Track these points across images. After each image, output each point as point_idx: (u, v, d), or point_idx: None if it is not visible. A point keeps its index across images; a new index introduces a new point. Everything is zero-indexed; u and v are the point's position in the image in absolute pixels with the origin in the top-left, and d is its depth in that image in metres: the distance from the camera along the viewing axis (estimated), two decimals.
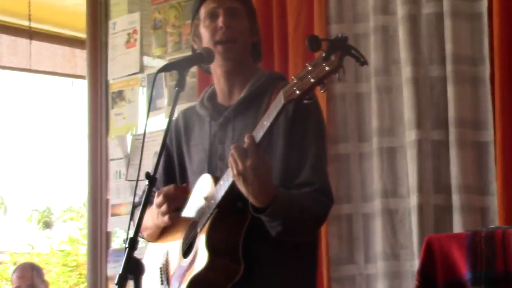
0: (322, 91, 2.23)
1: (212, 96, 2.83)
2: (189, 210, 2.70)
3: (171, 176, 2.86)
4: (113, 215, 5.02)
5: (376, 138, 3.63)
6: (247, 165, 2.39)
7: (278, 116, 2.37)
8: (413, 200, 3.50)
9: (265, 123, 2.41)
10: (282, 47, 3.94)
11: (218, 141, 2.72)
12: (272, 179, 2.47)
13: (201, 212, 2.62)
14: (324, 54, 2.17)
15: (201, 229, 2.59)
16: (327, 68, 2.17)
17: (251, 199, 2.45)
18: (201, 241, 2.57)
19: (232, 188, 2.50)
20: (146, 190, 2.43)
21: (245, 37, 2.75)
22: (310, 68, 2.22)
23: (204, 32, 2.74)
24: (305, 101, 2.28)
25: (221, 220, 2.55)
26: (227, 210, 2.54)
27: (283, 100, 2.32)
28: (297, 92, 2.26)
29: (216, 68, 2.76)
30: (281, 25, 3.96)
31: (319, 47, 2.17)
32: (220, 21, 2.71)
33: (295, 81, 2.27)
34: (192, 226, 2.66)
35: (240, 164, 2.40)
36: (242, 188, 2.43)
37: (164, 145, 2.52)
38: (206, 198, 2.60)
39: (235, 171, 2.41)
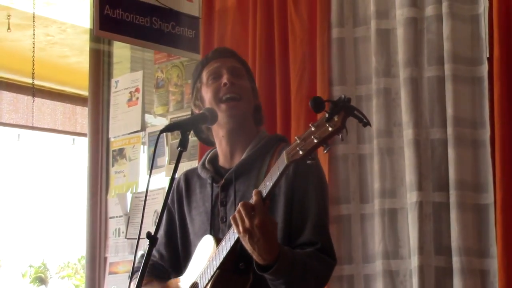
0: (325, 151, 2.24)
1: (214, 159, 2.83)
2: (191, 272, 2.69)
3: (173, 237, 2.86)
4: (111, 273, 4.99)
5: (377, 200, 3.63)
6: (255, 222, 2.39)
7: (281, 176, 2.37)
8: (414, 262, 3.48)
9: (268, 183, 2.41)
10: (284, 109, 3.96)
11: (220, 203, 2.72)
12: (277, 237, 2.47)
13: (202, 273, 2.61)
14: (327, 115, 2.19)
15: None
16: (330, 129, 2.18)
17: (255, 257, 2.45)
18: None
19: (234, 248, 2.49)
20: (146, 250, 2.42)
21: (249, 96, 2.77)
22: (313, 129, 2.23)
23: (207, 92, 2.75)
24: (308, 162, 2.29)
25: (223, 281, 2.54)
26: (229, 271, 2.53)
27: (286, 160, 2.32)
28: (300, 152, 2.27)
29: (219, 130, 2.77)
30: (283, 87, 3.98)
31: (323, 108, 2.19)
32: (224, 78, 2.73)
33: (298, 141, 2.28)
34: None
35: (247, 221, 2.40)
36: (247, 245, 2.42)
37: (165, 205, 2.52)
38: (209, 259, 2.59)
39: (241, 228, 2.41)
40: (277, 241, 2.47)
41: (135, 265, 2.70)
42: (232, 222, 2.44)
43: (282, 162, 2.35)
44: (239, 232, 2.42)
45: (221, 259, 2.51)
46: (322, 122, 2.21)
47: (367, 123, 2.21)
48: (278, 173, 2.37)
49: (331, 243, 2.66)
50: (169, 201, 2.86)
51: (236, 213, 2.43)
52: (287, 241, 2.60)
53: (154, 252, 2.85)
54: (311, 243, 2.58)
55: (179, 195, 2.87)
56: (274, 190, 2.45)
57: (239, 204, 2.43)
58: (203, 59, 2.90)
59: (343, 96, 2.20)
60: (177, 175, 2.86)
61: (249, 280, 2.51)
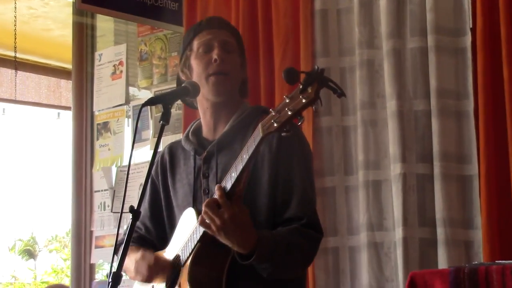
0: (299, 123, 2.22)
1: (197, 130, 2.82)
2: (174, 245, 2.69)
3: (157, 210, 2.85)
4: (97, 247, 5.00)
5: (361, 171, 3.64)
6: (225, 217, 2.38)
7: (257, 149, 2.35)
8: (398, 233, 3.50)
9: (244, 156, 2.39)
10: (268, 82, 3.95)
11: (202, 175, 2.71)
12: (251, 223, 2.46)
13: (184, 246, 2.61)
14: (301, 86, 2.17)
15: (183, 264, 2.58)
16: (303, 100, 2.16)
17: (236, 249, 2.45)
18: (183, 276, 2.56)
19: None
20: (130, 224, 2.41)
21: (237, 72, 2.75)
22: (287, 101, 2.21)
23: (197, 64, 2.73)
24: (283, 134, 2.27)
25: (204, 254, 2.54)
26: (210, 244, 2.53)
27: (261, 133, 2.31)
28: (275, 125, 2.25)
29: (204, 101, 2.76)
30: (267, 60, 3.97)
31: (297, 80, 2.17)
32: (214, 54, 2.71)
33: (273, 114, 2.26)
34: (175, 261, 2.65)
35: (217, 220, 2.39)
36: (226, 241, 2.43)
37: (148, 178, 2.51)
38: (190, 232, 2.59)
39: (214, 228, 2.41)
40: (253, 228, 2.46)
41: (119, 238, 2.70)
42: (202, 226, 2.44)
43: (257, 134, 2.33)
44: (213, 232, 2.42)
45: (201, 232, 2.51)
46: (296, 94, 2.18)
47: (341, 94, 2.18)
48: (254, 146, 2.35)
49: (317, 217, 2.64)
50: (153, 173, 2.85)
51: (203, 215, 2.42)
52: (272, 217, 2.59)
53: (140, 225, 2.86)
54: (297, 219, 2.57)
55: (163, 168, 2.86)
56: (252, 162, 2.42)
57: (203, 204, 2.42)
58: (195, 26, 2.85)
59: (316, 67, 2.17)
60: (161, 148, 2.85)
61: (230, 253, 2.50)
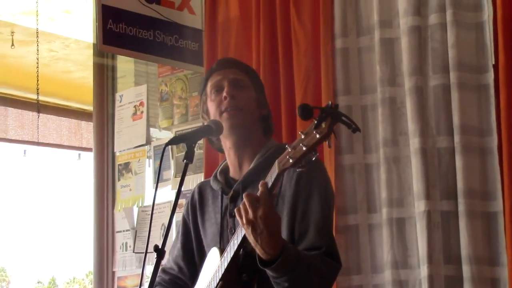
0: (313, 158, 2.24)
1: (225, 170, 2.84)
2: (200, 285, 2.69)
3: (189, 249, 2.87)
4: (119, 287, 4.98)
5: (385, 209, 3.62)
6: (258, 214, 2.38)
7: (273, 185, 2.37)
8: (423, 271, 3.46)
9: None
10: (290, 119, 3.95)
11: (229, 215, 2.72)
12: (281, 231, 2.46)
13: (208, 286, 2.60)
14: (315, 122, 2.19)
15: None
16: (317, 136, 2.19)
17: (258, 250, 2.42)
18: None
19: (236, 259, 2.49)
20: (154, 263, 2.41)
21: (252, 107, 2.77)
22: (302, 137, 2.24)
23: (211, 106, 2.77)
24: (298, 169, 2.29)
25: None
26: (232, 282, 2.53)
27: (277, 169, 2.33)
28: (290, 160, 2.28)
29: (226, 141, 2.77)
30: (289, 98, 3.98)
31: (311, 115, 2.19)
32: (224, 92, 2.73)
33: (288, 150, 2.29)
34: None
35: (251, 213, 2.38)
36: (250, 237, 2.41)
37: (172, 218, 2.52)
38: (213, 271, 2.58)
39: (244, 220, 2.39)
40: (281, 236, 2.45)
41: (157, 280, 2.70)
42: (236, 214, 2.43)
43: (274, 170, 2.36)
44: (242, 224, 2.40)
45: (223, 270, 2.51)
46: (310, 130, 2.22)
47: (356, 129, 2.20)
48: (271, 183, 2.37)
49: (335, 247, 2.65)
50: (184, 213, 2.89)
51: (241, 205, 2.42)
52: None
53: (173, 265, 2.88)
54: (316, 248, 2.57)
55: (193, 207, 2.88)
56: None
57: (244, 195, 2.42)
58: (208, 71, 2.91)
59: (330, 102, 2.20)
60: (183, 188, 2.86)
61: None
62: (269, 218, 2.38)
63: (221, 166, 2.87)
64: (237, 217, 2.42)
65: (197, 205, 2.87)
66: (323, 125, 2.18)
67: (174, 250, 2.92)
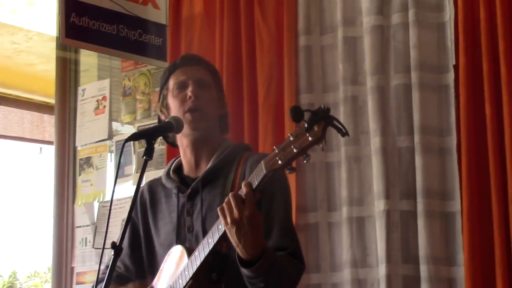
0: (304, 161, 2.24)
1: (178, 168, 2.82)
2: (162, 282, 2.67)
3: (137, 248, 2.84)
4: (78, 283, 4.95)
5: (345, 208, 3.63)
6: (245, 213, 2.37)
7: (259, 185, 2.36)
8: (381, 270, 3.48)
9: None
10: (252, 117, 3.95)
11: (186, 213, 2.70)
12: (263, 231, 2.45)
13: (173, 284, 2.59)
14: (306, 125, 2.19)
15: None
16: (310, 138, 2.19)
17: (239, 250, 2.42)
18: None
19: (207, 259, 2.48)
20: (111, 261, 2.40)
21: (213, 107, 2.77)
22: (292, 139, 2.24)
23: (173, 102, 2.75)
24: (288, 171, 2.30)
25: None
26: (202, 281, 2.52)
27: (264, 170, 2.32)
28: (280, 162, 2.27)
29: (183, 139, 2.76)
30: (251, 96, 3.97)
31: (302, 118, 2.19)
32: (189, 91, 2.73)
33: (276, 151, 2.28)
34: None
35: (236, 212, 2.38)
36: (233, 238, 2.40)
37: (131, 215, 2.50)
38: (180, 270, 2.57)
39: (229, 219, 2.38)
40: (263, 238, 2.45)
41: (100, 275, 2.67)
42: (219, 212, 2.41)
43: (260, 171, 2.34)
44: (226, 223, 2.39)
45: (194, 269, 2.50)
46: (301, 132, 2.21)
47: (346, 133, 2.23)
48: (256, 182, 2.37)
49: (300, 248, 2.66)
50: (133, 212, 2.84)
51: (224, 204, 2.40)
52: None
53: (119, 263, 2.83)
54: (281, 248, 2.57)
55: (142, 206, 2.85)
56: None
57: (230, 194, 2.41)
58: (170, 65, 2.90)
59: (323, 106, 2.21)
60: (143, 184, 2.84)
61: None
62: (254, 218, 2.39)
63: (173, 164, 2.85)
64: (220, 216, 2.41)
65: (148, 203, 2.84)
66: (316, 128, 2.18)
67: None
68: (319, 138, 2.18)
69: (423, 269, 3.42)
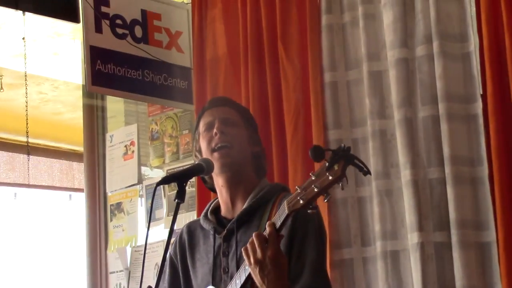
0: (325, 200, 2.26)
1: (216, 209, 2.83)
2: None
3: None
4: None
5: (379, 242, 3.61)
6: (267, 254, 2.37)
7: (282, 225, 2.37)
8: None
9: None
10: (281, 156, 3.95)
11: (222, 254, 2.71)
12: (287, 272, 2.45)
13: None
14: (327, 164, 2.20)
15: None
16: (330, 178, 2.20)
17: None
18: None
19: None
20: None
21: (242, 144, 2.77)
22: (313, 178, 2.25)
23: (202, 143, 2.77)
24: (309, 211, 2.30)
25: None
26: None
27: (287, 210, 2.33)
28: (301, 201, 2.29)
29: (218, 179, 2.77)
30: (279, 135, 3.98)
31: (323, 157, 2.21)
32: (215, 128, 2.74)
33: (298, 191, 2.29)
34: None
35: (259, 252, 2.38)
36: (257, 278, 2.41)
37: (165, 257, 2.51)
38: None
39: (252, 259, 2.39)
40: (287, 278, 2.45)
41: None
42: (243, 253, 2.43)
43: (283, 211, 2.35)
44: (249, 263, 2.40)
45: None
46: (322, 171, 2.23)
47: (367, 172, 2.24)
48: (279, 223, 2.36)
49: None
50: (171, 253, 2.87)
51: (248, 244, 2.42)
52: None
53: None
54: None
55: (182, 248, 2.86)
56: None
57: (253, 234, 2.42)
58: (200, 110, 2.92)
59: (343, 145, 2.23)
60: (176, 227, 2.84)
61: None
62: (277, 258, 2.40)
63: (211, 205, 2.86)
64: (244, 257, 2.42)
65: (186, 245, 2.85)
66: (336, 167, 2.20)
67: None
68: (339, 177, 2.21)
69: None
